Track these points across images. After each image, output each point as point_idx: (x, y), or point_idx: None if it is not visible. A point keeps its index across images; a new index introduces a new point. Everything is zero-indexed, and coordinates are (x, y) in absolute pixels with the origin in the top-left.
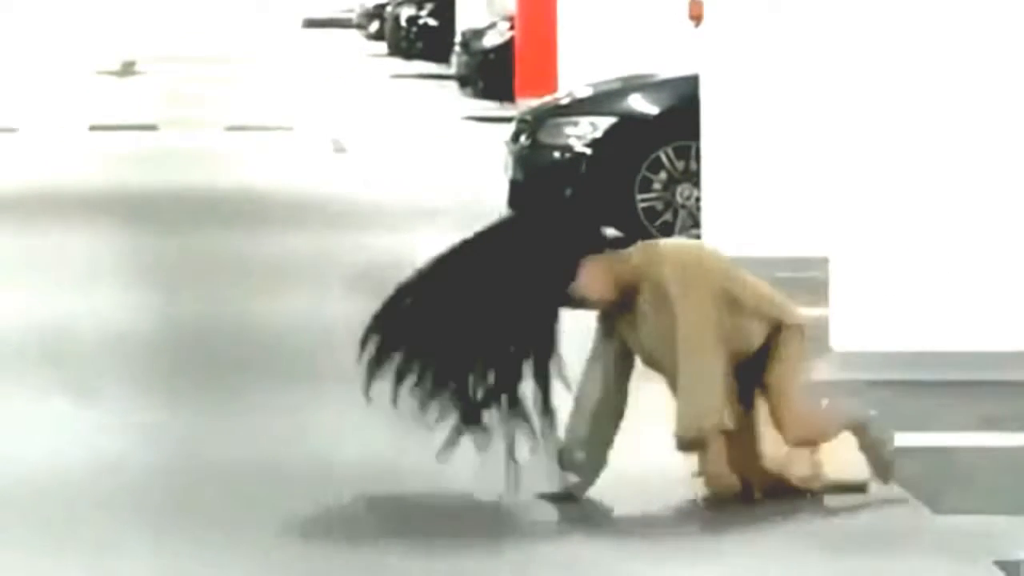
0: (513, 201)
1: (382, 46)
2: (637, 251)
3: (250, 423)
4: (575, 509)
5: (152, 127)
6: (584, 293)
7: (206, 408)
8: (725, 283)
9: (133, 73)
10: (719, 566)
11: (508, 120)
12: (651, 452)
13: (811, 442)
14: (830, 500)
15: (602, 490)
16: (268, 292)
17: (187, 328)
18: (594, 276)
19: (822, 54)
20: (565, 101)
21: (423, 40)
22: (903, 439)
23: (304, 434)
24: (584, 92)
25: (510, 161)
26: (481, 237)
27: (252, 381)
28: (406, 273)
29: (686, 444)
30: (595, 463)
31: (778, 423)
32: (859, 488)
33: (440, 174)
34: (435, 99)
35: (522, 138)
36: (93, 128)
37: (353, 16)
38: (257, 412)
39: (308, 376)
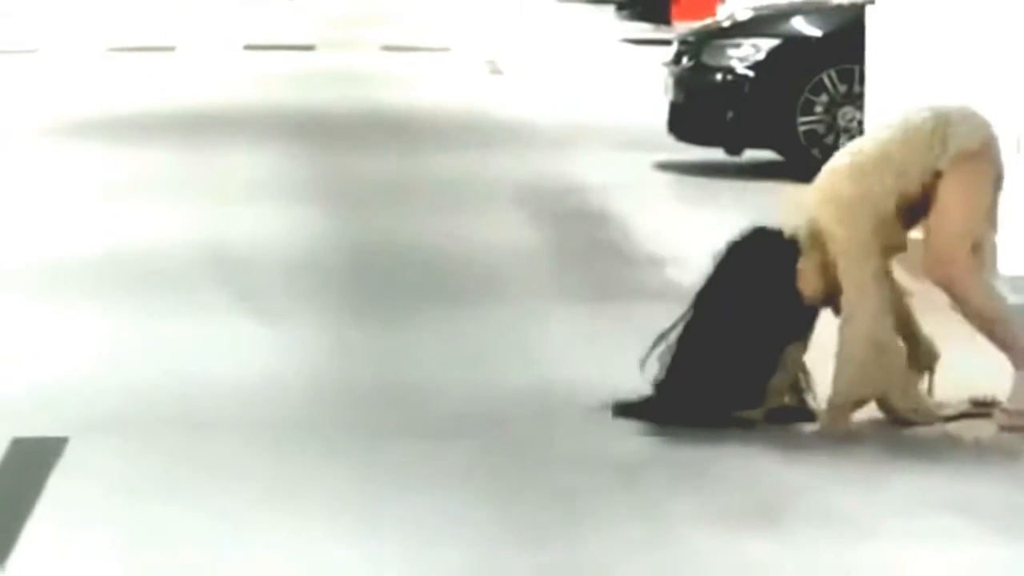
0: (673, 123)
1: None
2: (807, 241)
3: (415, 342)
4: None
5: (309, 47)
6: (814, 299)
7: (372, 326)
8: (862, 189)
9: None
10: (895, 492)
11: (665, 43)
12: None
13: (949, 287)
14: (989, 423)
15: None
16: (424, 210)
17: (348, 245)
18: (808, 282)
19: None
20: (727, 23)
21: None
22: None
23: (463, 353)
24: (746, 14)
25: (671, 83)
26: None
27: (417, 299)
28: (565, 193)
29: (834, 408)
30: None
31: (925, 249)
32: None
33: (597, 95)
34: (592, 22)
35: (684, 60)
36: (248, 47)
37: None
38: (421, 331)
39: (473, 295)
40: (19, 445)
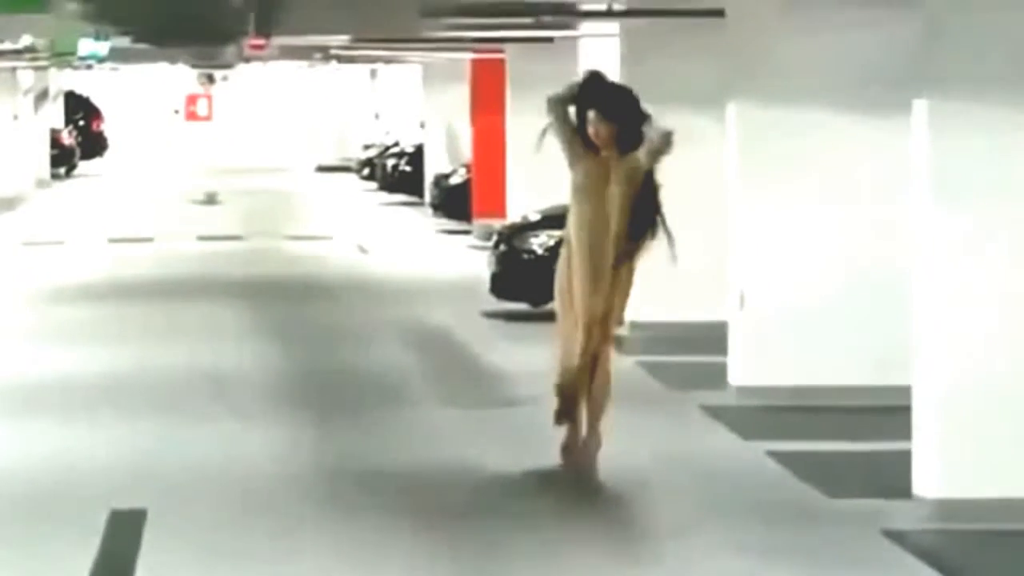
0: (494, 287)
1: (373, 184)
2: None
3: (350, 435)
4: None
5: (240, 237)
6: None
7: (320, 425)
8: None
9: (216, 202)
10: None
11: (467, 232)
12: None
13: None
14: (731, 485)
15: None
16: (327, 341)
17: (290, 369)
18: None
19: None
20: (525, 222)
21: (402, 180)
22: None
23: (385, 444)
24: (537, 216)
25: (492, 260)
26: None
27: (342, 405)
28: (421, 330)
29: None
30: None
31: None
32: None
33: (431, 267)
34: (416, 219)
35: (500, 245)
36: (200, 238)
37: (351, 164)
38: (350, 428)
39: (377, 401)
40: (115, 515)
